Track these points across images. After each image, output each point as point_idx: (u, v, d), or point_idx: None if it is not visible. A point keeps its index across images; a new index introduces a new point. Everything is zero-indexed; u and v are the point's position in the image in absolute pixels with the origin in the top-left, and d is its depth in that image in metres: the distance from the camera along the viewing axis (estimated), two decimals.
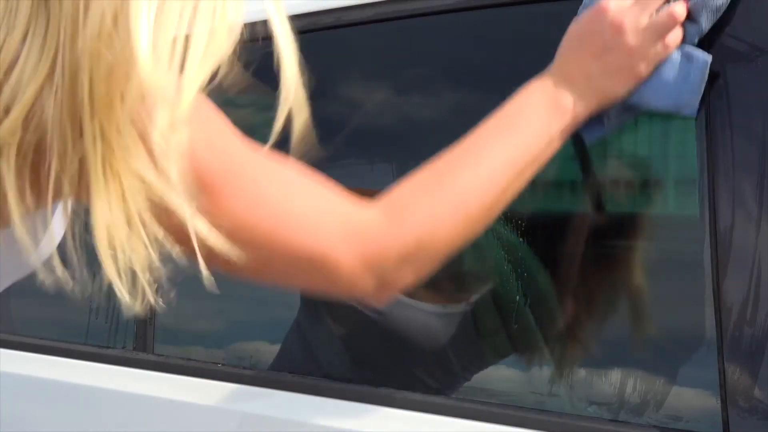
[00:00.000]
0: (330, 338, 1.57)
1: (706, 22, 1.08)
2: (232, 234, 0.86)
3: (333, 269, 0.94)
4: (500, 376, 1.37)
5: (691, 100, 1.09)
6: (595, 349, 1.30)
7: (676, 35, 1.07)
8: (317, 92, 1.64)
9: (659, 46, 1.07)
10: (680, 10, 1.07)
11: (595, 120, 1.14)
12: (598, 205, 1.35)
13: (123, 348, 1.63)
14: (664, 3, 1.08)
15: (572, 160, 1.26)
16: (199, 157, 0.85)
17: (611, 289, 1.30)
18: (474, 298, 1.43)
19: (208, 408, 1.39)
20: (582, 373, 1.22)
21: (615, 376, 1.21)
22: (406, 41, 1.45)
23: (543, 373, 1.29)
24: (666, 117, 1.14)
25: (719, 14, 1.08)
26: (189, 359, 1.54)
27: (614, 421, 1.15)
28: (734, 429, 1.00)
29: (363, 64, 1.55)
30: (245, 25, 0.91)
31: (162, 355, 1.56)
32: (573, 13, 1.17)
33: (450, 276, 1.48)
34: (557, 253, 1.35)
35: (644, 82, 1.09)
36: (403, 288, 1.03)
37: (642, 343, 1.23)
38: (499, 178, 1.04)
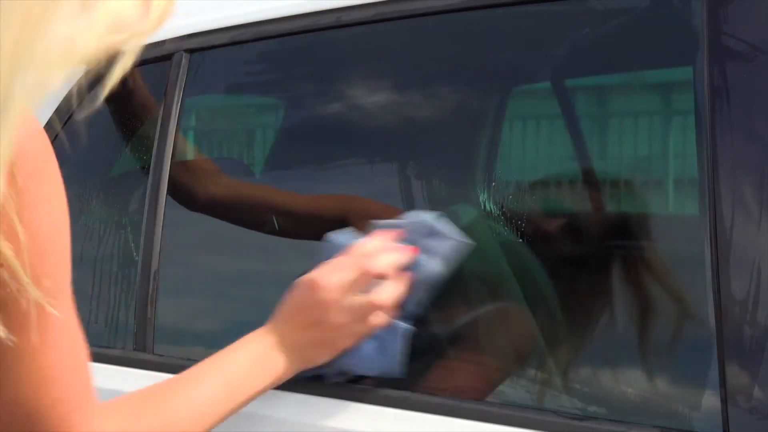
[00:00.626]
0: None
1: (420, 295, 1.22)
2: None
3: None
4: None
5: (391, 367, 1.21)
6: (595, 349, 1.30)
7: (378, 317, 1.19)
8: (317, 92, 1.65)
9: (361, 326, 1.20)
10: (382, 297, 1.19)
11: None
12: (598, 206, 1.35)
13: (123, 348, 1.63)
14: (375, 281, 1.19)
15: (572, 161, 1.27)
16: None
17: (610, 290, 1.30)
18: (459, 320, 1.43)
19: None
20: (582, 373, 1.22)
21: (615, 375, 1.21)
22: (406, 41, 1.45)
23: (542, 372, 1.29)
24: (666, 117, 1.14)
25: (434, 285, 1.22)
26: (189, 359, 1.53)
27: (614, 421, 1.15)
28: (734, 429, 1.00)
29: (363, 64, 1.55)
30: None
31: (162, 355, 1.56)
32: (573, 13, 1.17)
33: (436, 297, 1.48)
34: (556, 256, 1.35)
35: (350, 352, 1.22)
36: None
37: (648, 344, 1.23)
38: (200, 414, 1.15)
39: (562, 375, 1.26)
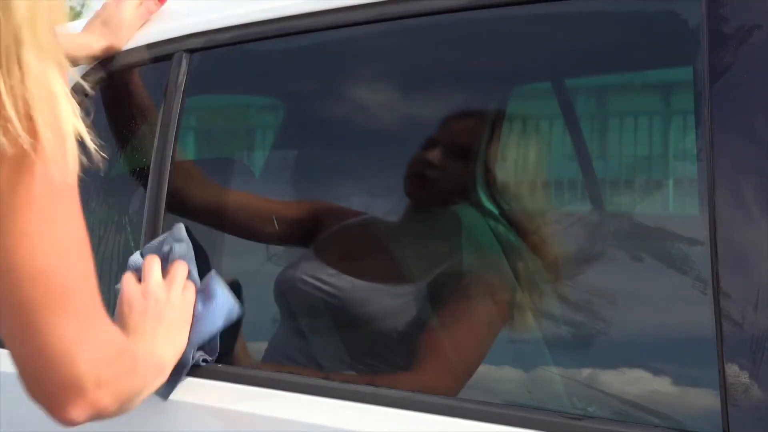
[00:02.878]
0: (304, 329, 1.58)
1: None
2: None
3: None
4: (499, 375, 1.37)
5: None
6: (595, 349, 1.30)
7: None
8: (317, 92, 1.65)
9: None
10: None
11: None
12: (598, 204, 1.35)
13: None
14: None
15: (571, 160, 1.27)
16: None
17: (611, 290, 1.30)
18: (428, 278, 1.44)
19: (208, 408, 1.39)
20: (582, 372, 1.22)
21: (615, 375, 1.21)
22: (407, 41, 1.45)
23: (542, 371, 1.29)
24: (665, 118, 1.14)
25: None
26: None
27: (614, 421, 1.15)
28: (734, 429, 1.00)
29: (363, 65, 1.55)
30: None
31: None
32: (573, 13, 1.17)
33: (398, 260, 1.50)
34: (556, 257, 1.35)
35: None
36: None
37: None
38: None
39: (562, 375, 1.26)
